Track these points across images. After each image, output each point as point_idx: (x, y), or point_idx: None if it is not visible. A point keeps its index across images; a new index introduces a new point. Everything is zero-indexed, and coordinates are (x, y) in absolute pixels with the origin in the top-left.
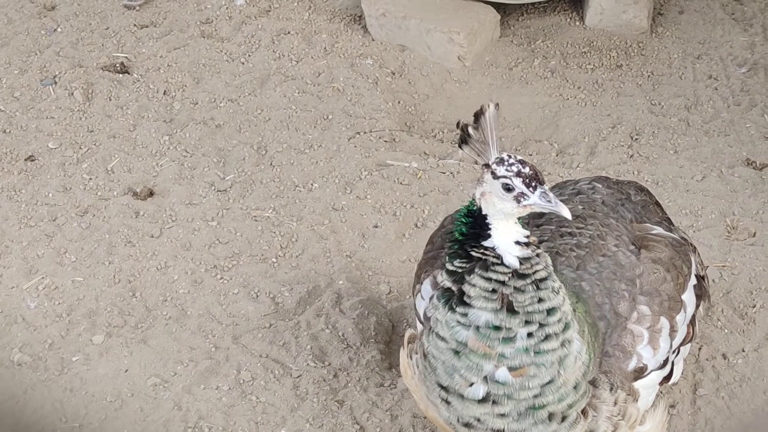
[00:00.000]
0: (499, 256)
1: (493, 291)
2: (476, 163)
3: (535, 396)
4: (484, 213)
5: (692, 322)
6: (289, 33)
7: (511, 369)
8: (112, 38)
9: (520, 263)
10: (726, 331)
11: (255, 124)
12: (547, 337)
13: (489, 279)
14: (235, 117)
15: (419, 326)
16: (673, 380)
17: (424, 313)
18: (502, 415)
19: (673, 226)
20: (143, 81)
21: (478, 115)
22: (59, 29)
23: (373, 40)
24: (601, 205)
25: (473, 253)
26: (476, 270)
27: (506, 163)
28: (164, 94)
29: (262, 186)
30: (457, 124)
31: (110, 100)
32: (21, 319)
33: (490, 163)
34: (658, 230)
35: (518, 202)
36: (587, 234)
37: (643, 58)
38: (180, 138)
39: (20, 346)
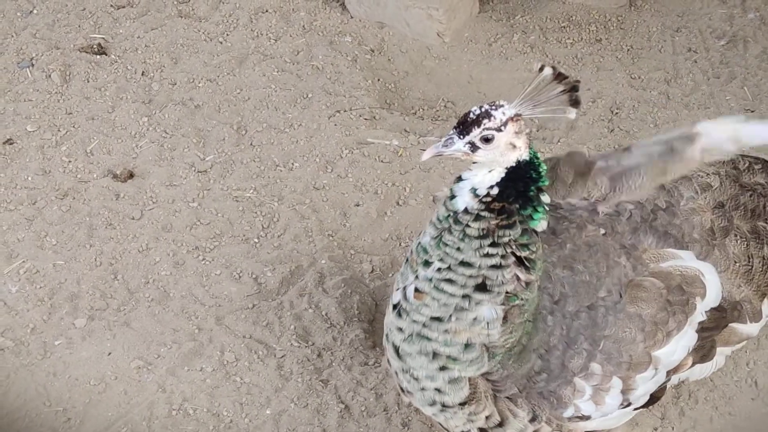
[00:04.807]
0: (454, 195)
1: (438, 221)
2: None
3: (424, 325)
4: None
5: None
6: (267, 11)
7: (416, 290)
8: (88, 19)
9: (465, 210)
10: None
11: (234, 104)
12: (450, 281)
13: (441, 210)
14: (214, 97)
15: None
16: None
17: None
18: (400, 329)
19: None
20: (121, 62)
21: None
22: (35, 11)
23: (352, 17)
24: (624, 223)
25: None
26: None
27: None
28: (142, 75)
29: (243, 166)
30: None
31: (88, 81)
32: (2, 303)
33: None
34: (669, 264)
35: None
36: (586, 275)
37: (623, 32)
38: (159, 119)
39: (2, 331)
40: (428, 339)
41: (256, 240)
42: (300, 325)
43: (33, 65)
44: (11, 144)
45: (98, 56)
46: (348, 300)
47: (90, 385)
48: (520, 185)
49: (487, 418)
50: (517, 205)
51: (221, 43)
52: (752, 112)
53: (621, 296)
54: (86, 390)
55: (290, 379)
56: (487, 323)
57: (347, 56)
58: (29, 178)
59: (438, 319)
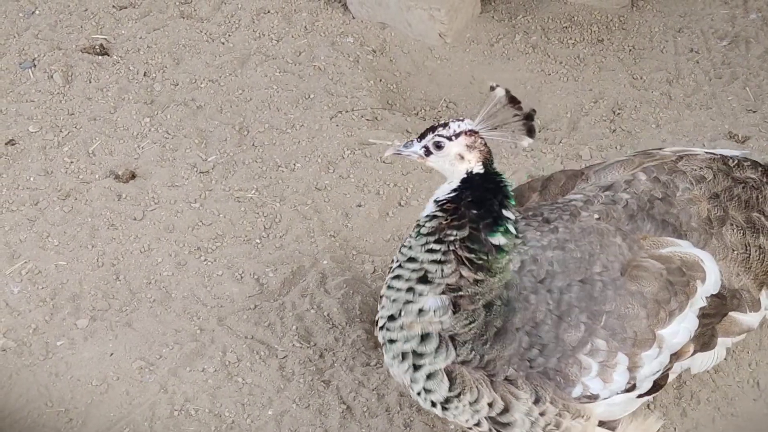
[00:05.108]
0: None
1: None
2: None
3: (388, 329)
4: None
5: (702, 335)
6: (269, 12)
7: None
8: (90, 20)
9: (426, 216)
10: None
11: (236, 105)
12: (398, 277)
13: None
14: (216, 98)
15: None
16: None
17: None
18: (382, 341)
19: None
20: (123, 63)
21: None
22: (37, 12)
23: (354, 18)
24: (621, 210)
25: None
26: None
27: None
28: (144, 75)
29: (245, 167)
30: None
31: (90, 82)
32: (4, 304)
33: None
34: (669, 250)
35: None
36: (578, 253)
37: (625, 32)
38: (161, 119)
39: (4, 332)
40: (393, 341)
41: (258, 241)
42: (302, 325)
43: (35, 66)
44: (13, 145)
45: (100, 57)
46: (350, 300)
47: (92, 386)
48: (477, 193)
49: (490, 406)
50: (475, 212)
51: (223, 43)
52: (754, 112)
53: (621, 274)
54: (88, 390)
55: (292, 379)
56: (434, 312)
57: (349, 57)
58: (31, 179)
59: (392, 317)
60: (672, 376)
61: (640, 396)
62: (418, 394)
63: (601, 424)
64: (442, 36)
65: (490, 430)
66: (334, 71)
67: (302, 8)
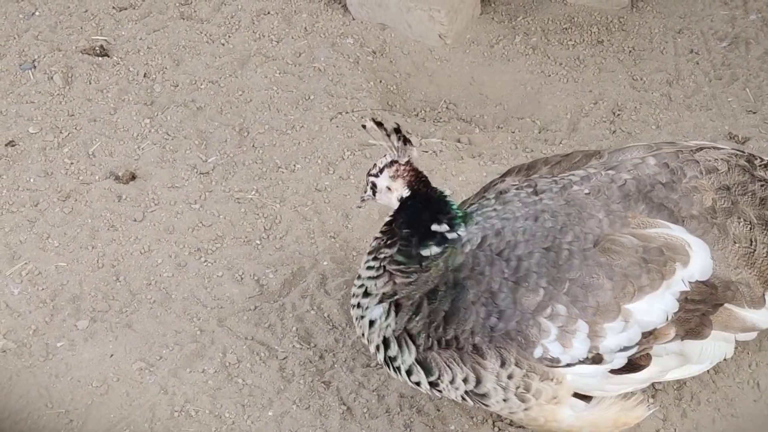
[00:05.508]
0: None
1: None
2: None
3: (367, 342)
4: None
5: (682, 321)
6: (269, 13)
7: None
8: (90, 21)
9: (373, 239)
10: None
11: (236, 106)
12: (353, 295)
13: None
14: (216, 99)
15: None
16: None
17: None
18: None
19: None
20: (123, 64)
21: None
22: (37, 13)
23: (354, 19)
24: (615, 188)
25: None
26: None
27: None
28: (144, 76)
29: (245, 168)
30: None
31: (90, 83)
32: (4, 305)
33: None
34: (656, 231)
35: None
36: (549, 223)
37: (624, 34)
38: (161, 121)
39: (4, 333)
40: (376, 353)
41: (258, 242)
42: (302, 326)
43: (35, 67)
44: (13, 146)
45: (100, 58)
46: (350, 302)
47: (92, 387)
48: (407, 214)
49: (465, 381)
50: (405, 231)
51: (223, 44)
52: (754, 113)
53: (594, 245)
54: (88, 392)
55: (292, 380)
56: (380, 319)
57: (349, 58)
58: (31, 180)
59: (363, 334)
60: (660, 361)
61: (614, 372)
62: (417, 385)
63: (581, 397)
64: (442, 37)
65: (475, 403)
66: (334, 72)
67: (302, 9)
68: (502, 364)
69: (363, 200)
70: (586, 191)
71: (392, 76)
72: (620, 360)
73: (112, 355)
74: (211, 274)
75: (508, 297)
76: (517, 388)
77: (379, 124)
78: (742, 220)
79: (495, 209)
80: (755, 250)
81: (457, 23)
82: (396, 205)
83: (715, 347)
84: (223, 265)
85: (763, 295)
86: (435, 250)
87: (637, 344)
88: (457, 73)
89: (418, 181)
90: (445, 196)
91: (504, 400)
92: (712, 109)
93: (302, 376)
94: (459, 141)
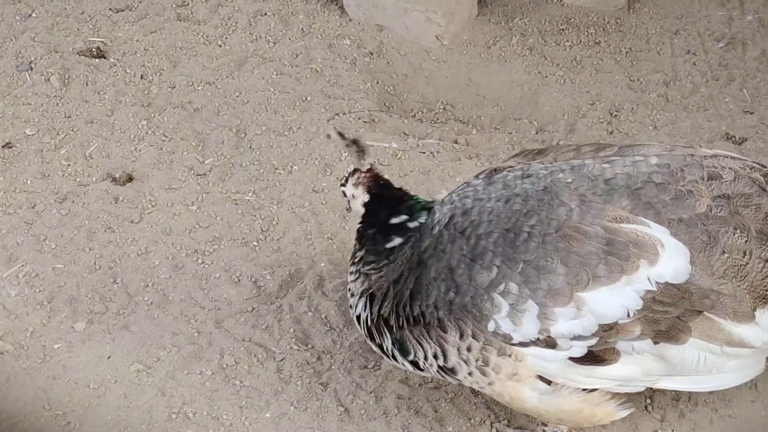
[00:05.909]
0: None
1: None
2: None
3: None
4: None
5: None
6: (265, 14)
7: None
8: (87, 23)
9: None
10: None
11: (233, 107)
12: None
13: None
14: (213, 100)
15: None
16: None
17: None
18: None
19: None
20: (120, 65)
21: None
22: (34, 14)
23: (351, 20)
24: (601, 181)
25: None
26: None
27: None
28: (141, 78)
29: (242, 169)
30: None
31: (87, 85)
32: (1, 307)
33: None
34: (631, 227)
35: None
36: (518, 206)
37: (621, 35)
38: (158, 122)
39: (1, 335)
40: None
41: (256, 243)
42: (299, 328)
43: (32, 69)
44: (10, 148)
45: (97, 60)
46: (347, 303)
47: (89, 389)
48: (369, 218)
49: (435, 357)
50: (370, 232)
51: (220, 46)
52: (751, 114)
53: (556, 231)
54: (86, 394)
55: (290, 382)
56: (362, 312)
57: (346, 59)
58: (28, 182)
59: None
60: (634, 360)
61: (573, 360)
62: (414, 365)
63: (547, 381)
64: (438, 38)
65: (448, 377)
66: (331, 73)
67: (299, 11)
68: (461, 336)
69: (348, 210)
70: (569, 180)
71: (389, 77)
72: (579, 349)
73: (109, 357)
74: (208, 275)
75: (465, 273)
76: (477, 360)
77: (341, 135)
78: (738, 231)
79: (476, 189)
80: (748, 264)
81: (454, 24)
82: (362, 211)
83: (701, 357)
84: (220, 267)
85: (753, 310)
86: (398, 240)
87: (594, 335)
88: (454, 74)
89: (377, 185)
90: (406, 192)
91: (469, 374)
92: (709, 110)
93: (300, 378)
94: (456, 142)
